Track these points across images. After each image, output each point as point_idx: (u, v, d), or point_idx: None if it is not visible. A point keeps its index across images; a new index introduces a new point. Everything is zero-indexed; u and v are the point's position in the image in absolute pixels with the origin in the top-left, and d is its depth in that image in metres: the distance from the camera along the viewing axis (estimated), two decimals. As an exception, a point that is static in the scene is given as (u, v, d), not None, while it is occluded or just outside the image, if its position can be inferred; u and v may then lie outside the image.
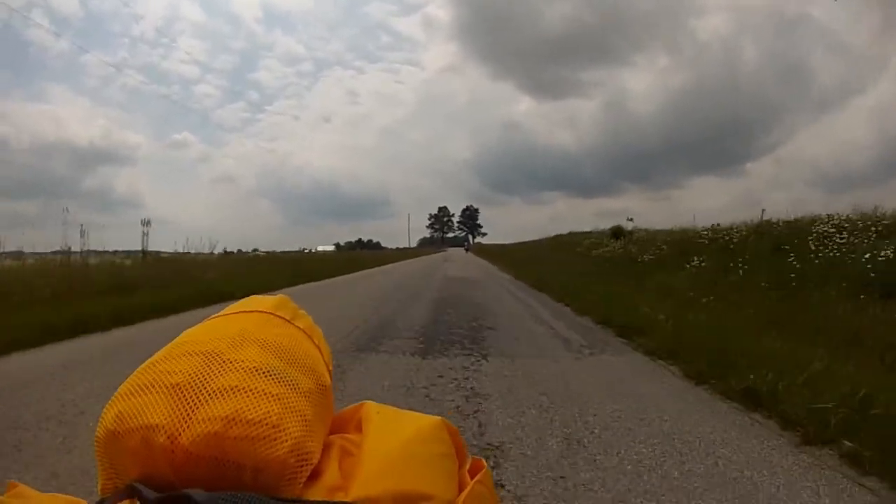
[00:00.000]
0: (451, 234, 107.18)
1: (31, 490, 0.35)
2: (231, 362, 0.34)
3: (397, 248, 78.83)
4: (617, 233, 17.19)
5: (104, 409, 0.34)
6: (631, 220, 17.91)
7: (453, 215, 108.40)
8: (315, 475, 0.34)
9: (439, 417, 0.41)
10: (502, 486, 2.03)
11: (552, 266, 15.15)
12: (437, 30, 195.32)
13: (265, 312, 0.41)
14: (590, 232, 20.35)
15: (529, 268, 15.89)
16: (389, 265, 25.07)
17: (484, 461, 0.42)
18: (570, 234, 24.92)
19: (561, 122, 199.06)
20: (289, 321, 0.41)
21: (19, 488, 0.35)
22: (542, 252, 22.54)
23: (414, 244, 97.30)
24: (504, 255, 29.00)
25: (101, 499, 0.33)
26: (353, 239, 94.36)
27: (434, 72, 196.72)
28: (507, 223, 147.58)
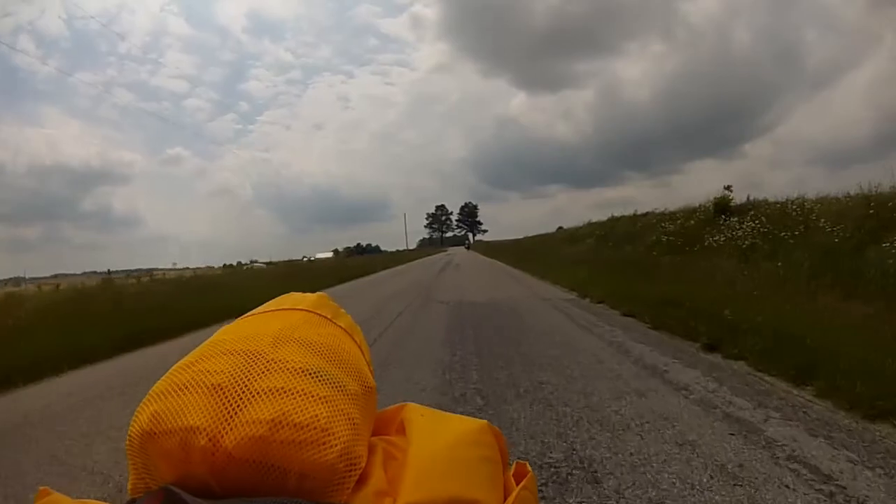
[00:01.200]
0: (450, 234, 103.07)
1: (63, 496, 0.32)
2: (274, 362, 0.33)
3: (397, 251, 73.30)
4: (722, 206, 10.59)
5: (138, 408, 0.32)
6: (729, 188, 11.38)
7: (451, 213, 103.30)
8: (361, 480, 0.32)
9: (483, 421, 0.39)
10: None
11: (662, 276, 7.96)
12: (426, 29, 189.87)
13: (305, 310, 0.40)
14: (669, 213, 13.21)
15: (619, 282, 7.70)
16: (365, 279, 17.36)
17: (528, 465, 0.40)
18: (613, 219, 18.10)
19: (556, 115, 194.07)
20: (330, 320, 0.40)
21: (52, 496, 0.33)
22: (585, 246, 15.99)
23: (413, 245, 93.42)
24: (526, 255, 19.73)
25: (132, 499, 0.31)
26: (353, 244, 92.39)
27: (425, 72, 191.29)
28: (508, 219, 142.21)
